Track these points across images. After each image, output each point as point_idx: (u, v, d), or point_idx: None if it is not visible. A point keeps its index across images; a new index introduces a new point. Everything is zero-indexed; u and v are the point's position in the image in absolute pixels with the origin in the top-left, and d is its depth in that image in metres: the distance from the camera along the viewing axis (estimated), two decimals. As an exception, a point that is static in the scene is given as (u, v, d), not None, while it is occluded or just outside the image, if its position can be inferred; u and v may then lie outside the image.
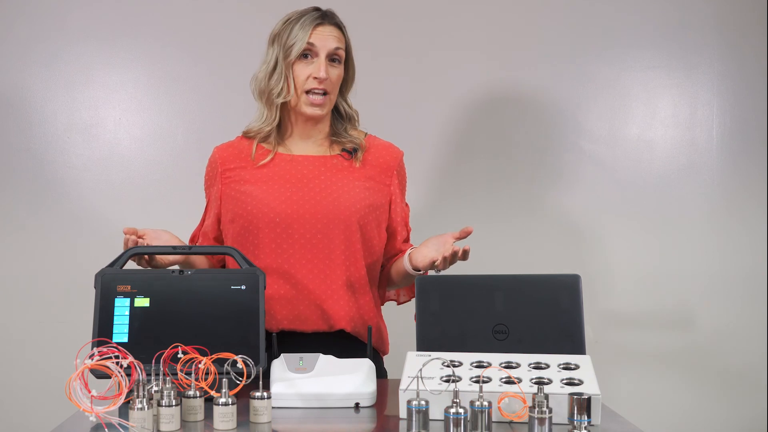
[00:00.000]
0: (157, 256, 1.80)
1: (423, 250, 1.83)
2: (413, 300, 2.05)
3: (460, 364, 1.49)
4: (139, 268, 1.78)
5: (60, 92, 2.66)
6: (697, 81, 2.73)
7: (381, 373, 1.92)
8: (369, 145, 1.96)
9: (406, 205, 2.03)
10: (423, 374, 1.42)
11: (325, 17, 1.88)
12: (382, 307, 2.05)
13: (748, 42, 2.71)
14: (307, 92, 1.86)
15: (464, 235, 1.78)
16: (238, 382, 1.43)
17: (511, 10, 2.70)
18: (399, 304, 2.11)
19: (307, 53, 1.86)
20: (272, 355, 1.65)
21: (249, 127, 1.96)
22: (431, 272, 1.83)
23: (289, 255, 1.85)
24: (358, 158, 1.93)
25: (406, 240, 2.01)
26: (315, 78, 1.84)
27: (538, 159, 2.71)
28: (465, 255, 1.77)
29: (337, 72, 1.88)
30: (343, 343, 1.85)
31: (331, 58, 1.87)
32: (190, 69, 2.67)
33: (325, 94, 1.87)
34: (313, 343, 1.83)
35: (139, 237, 1.78)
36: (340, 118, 1.97)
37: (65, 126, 2.67)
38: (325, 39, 1.86)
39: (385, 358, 2.01)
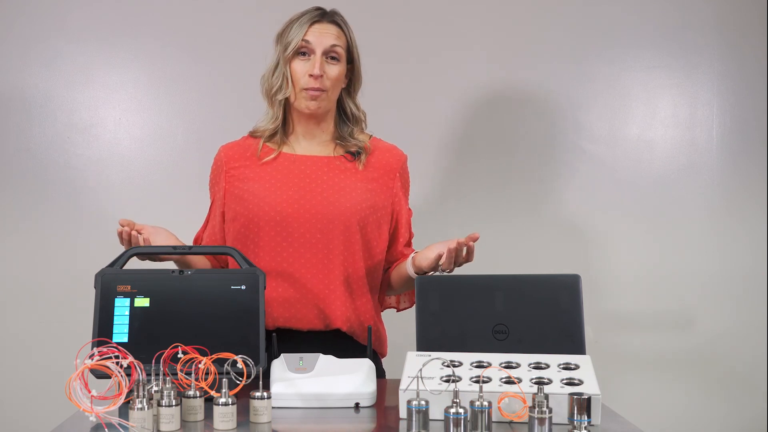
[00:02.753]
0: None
1: (426, 252, 1.83)
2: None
3: (460, 364, 1.49)
4: (139, 268, 1.78)
5: (60, 92, 2.66)
6: (697, 81, 2.73)
7: (379, 375, 1.92)
8: (373, 147, 1.97)
9: (409, 209, 2.03)
10: (423, 374, 1.42)
11: (324, 16, 1.89)
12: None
13: (748, 42, 2.71)
14: (305, 89, 1.87)
15: (470, 241, 1.78)
16: (238, 382, 1.43)
17: (511, 11, 2.70)
18: (399, 310, 2.11)
19: (304, 51, 1.87)
20: (272, 355, 1.65)
21: (256, 126, 1.98)
22: (435, 274, 1.83)
23: (288, 254, 1.86)
24: (361, 161, 1.93)
25: (408, 244, 2.01)
26: (310, 75, 1.85)
27: (538, 159, 2.71)
28: (470, 254, 1.78)
29: (336, 69, 1.88)
30: (339, 343, 1.86)
31: (329, 55, 1.88)
32: (190, 69, 2.67)
33: (321, 91, 1.87)
34: (308, 342, 1.84)
35: (138, 231, 1.79)
36: (346, 119, 1.97)
37: (65, 126, 2.67)
38: (321, 36, 1.87)
39: (385, 358, 2.01)
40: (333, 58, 1.88)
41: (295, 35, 1.86)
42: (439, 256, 1.78)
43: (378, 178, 1.94)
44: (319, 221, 1.86)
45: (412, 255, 1.89)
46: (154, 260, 1.85)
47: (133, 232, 1.79)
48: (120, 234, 1.80)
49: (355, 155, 1.94)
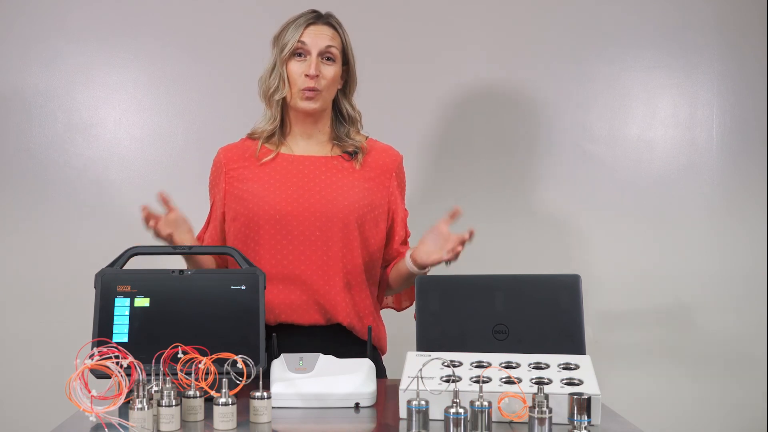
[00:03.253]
0: (176, 237, 1.81)
1: (423, 248, 1.85)
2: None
3: (460, 364, 1.49)
4: (139, 268, 1.77)
5: (60, 92, 2.66)
6: (697, 81, 2.73)
7: (379, 371, 1.93)
8: (369, 147, 1.99)
9: (405, 209, 2.04)
10: (423, 374, 1.42)
11: (319, 18, 1.93)
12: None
13: (748, 42, 2.71)
14: (301, 89, 1.89)
15: (455, 216, 1.82)
16: (238, 382, 1.43)
17: (511, 11, 2.70)
18: (399, 310, 2.11)
19: (300, 52, 1.90)
20: (272, 355, 1.65)
21: (254, 128, 2.00)
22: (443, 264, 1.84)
23: (288, 252, 1.87)
24: (358, 160, 1.95)
25: (404, 243, 2.02)
26: (306, 75, 1.88)
27: (538, 159, 2.71)
28: (470, 237, 1.81)
29: (331, 70, 1.91)
30: (339, 338, 1.88)
31: (325, 56, 1.90)
32: (190, 69, 2.67)
33: (317, 90, 1.89)
34: (309, 336, 1.87)
35: (156, 221, 1.80)
36: (342, 120, 1.99)
37: (65, 126, 2.67)
38: (317, 38, 1.90)
39: (384, 358, 2.01)
40: (328, 59, 1.91)
41: (291, 37, 1.90)
42: (440, 261, 1.81)
43: (375, 178, 1.96)
44: (317, 219, 1.87)
45: (409, 252, 1.90)
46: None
47: (159, 227, 1.79)
48: (146, 220, 1.80)
49: (352, 155, 1.96)
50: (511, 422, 1.39)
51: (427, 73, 2.69)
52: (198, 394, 1.43)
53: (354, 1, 2.44)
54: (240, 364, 1.44)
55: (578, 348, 1.59)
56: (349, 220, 1.89)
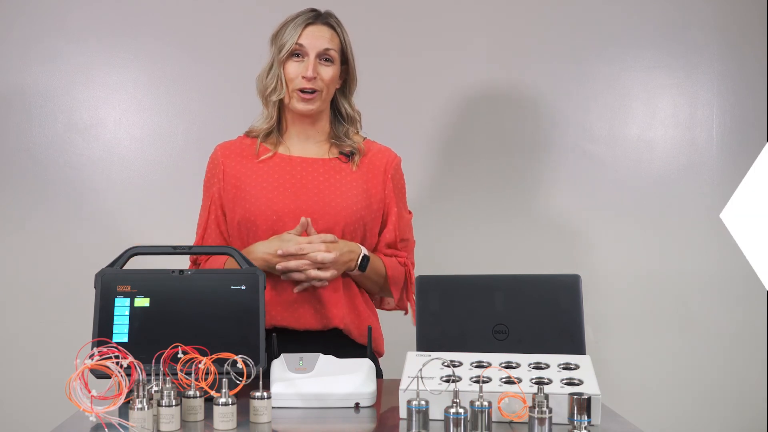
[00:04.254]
0: None
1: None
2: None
3: (460, 364, 1.49)
4: (139, 268, 1.77)
5: (60, 92, 2.66)
6: (697, 81, 2.73)
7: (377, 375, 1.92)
8: (366, 149, 1.98)
9: (409, 212, 2.02)
10: (423, 374, 1.42)
11: (318, 18, 1.91)
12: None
13: (748, 42, 2.71)
14: (298, 90, 1.89)
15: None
16: (238, 382, 1.43)
17: (511, 11, 2.70)
18: (387, 309, 2.08)
19: (298, 53, 1.89)
20: (272, 355, 1.65)
21: (251, 126, 1.99)
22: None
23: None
24: (355, 162, 1.94)
25: (391, 246, 1.98)
26: (303, 77, 1.87)
27: (538, 159, 2.71)
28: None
29: (329, 71, 1.90)
30: (336, 342, 1.87)
31: (323, 57, 1.89)
32: (190, 69, 2.67)
33: (314, 92, 1.88)
34: (304, 342, 1.84)
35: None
36: (341, 119, 1.98)
37: (65, 126, 2.67)
38: (315, 39, 1.88)
39: (383, 358, 2.01)
40: (327, 60, 1.90)
41: (289, 38, 1.88)
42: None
43: (371, 179, 1.95)
44: (315, 221, 1.86)
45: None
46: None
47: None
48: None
49: (349, 156, 1.95)
50: (511, 422, 1.39)
51: (426, 73, 2.69)
52: (198, 394, 1.43)
53: (354, 0, 2.44)
54: (240, 364, 1.44)
55: (578, 348, 1.59)
56: (346, 222, 1.88)
